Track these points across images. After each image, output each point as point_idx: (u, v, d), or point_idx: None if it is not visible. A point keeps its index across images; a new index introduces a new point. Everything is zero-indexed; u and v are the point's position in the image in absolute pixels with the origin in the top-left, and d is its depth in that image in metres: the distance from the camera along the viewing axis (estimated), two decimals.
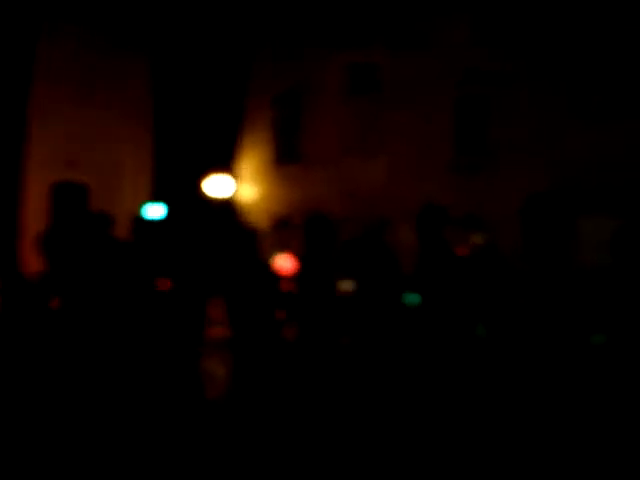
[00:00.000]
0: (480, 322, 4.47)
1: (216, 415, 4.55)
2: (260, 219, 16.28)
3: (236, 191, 16.53)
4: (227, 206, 16.31)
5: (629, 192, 12.60)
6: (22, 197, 14.49)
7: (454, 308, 4.55)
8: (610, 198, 12.66)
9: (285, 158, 16.35)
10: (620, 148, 13.09)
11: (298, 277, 5.14)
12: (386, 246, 6.02)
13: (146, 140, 16.25)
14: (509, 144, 13.87)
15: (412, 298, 4.70)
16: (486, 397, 4.28)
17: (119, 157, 15.92)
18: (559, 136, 13.54)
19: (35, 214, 14.24)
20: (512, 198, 13.37)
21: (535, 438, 3.97)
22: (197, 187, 15.98)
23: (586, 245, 12.53)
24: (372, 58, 15.22)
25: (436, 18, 14.62)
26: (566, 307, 4.30)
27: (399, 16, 14.95)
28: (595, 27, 13.47)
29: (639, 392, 3.89)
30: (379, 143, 14.87)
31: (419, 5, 14.82)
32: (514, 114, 13.94)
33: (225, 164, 16.38)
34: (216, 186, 16.12)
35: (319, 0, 15.66)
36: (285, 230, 14.93)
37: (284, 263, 6.60)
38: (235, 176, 16.55)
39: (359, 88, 15.50)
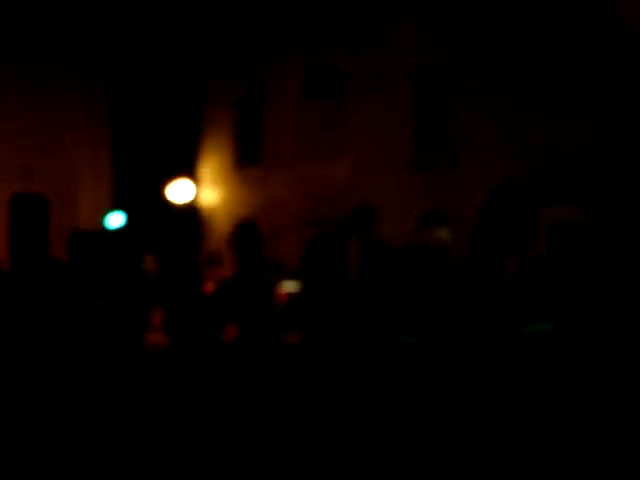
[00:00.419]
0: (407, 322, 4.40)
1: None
2: (222, 222, 16.17)
3: (197, 195, 16.37)
4: (190, 211, 16.16)
5: (589, 183, 12.71)
6: None
7: (388, 308, 4.48)
8: (571, 189, 12.74)
9: (246, 161, 16.23)
10: (579, 140, 13.18)
11: (232, 283, 5.03)
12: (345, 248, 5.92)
13: (104, 147, 16.00)
14: (470, 139, 13.90)
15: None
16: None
17: (77, 166, 15.66)
18: (519, 130, 13.58)
19: None
20: (474, 193, 13.39)
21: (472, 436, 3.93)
22: (158, 193, 15.80)
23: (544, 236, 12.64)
24: (331, 59, 15.17)
25: (393, 16, 14.61)
26: (508, 298, 4.23)
27: (356, 16, 14.92)
28: (550, 21, 13.55)
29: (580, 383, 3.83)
30: (340, 143, 14.81)
31: (376, 4, 14.80)
32: (473, 109, 13.97)
33: (186, 169, 16.22)
34: (177, 191, 15.95)
35: (276, 3, 15.57)
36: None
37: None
38: (196, 180, 16.39)
39: (318, 89, 15.43)
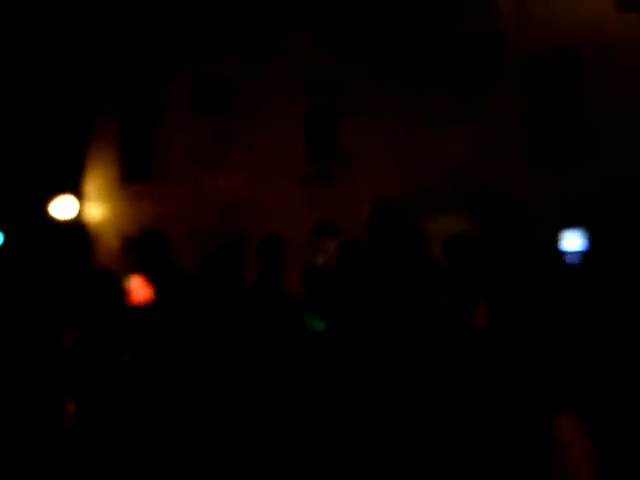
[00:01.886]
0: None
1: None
2: (110, 238, 15.82)
3: (83, 211, 15.96)
4: (76, 227, 15.73)
5: (476, 193, 13.20)
6: None
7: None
8: (459, 199, 13.19)
9: (135, 175, 15.95)
10: (467, 150, 13.74)
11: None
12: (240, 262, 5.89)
13: None
14: (360, 151, 14.19)
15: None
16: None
17: None
18: (408, 141, 14.02)
19: None
20: (363, 205, 13.65)
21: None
22: (41, 210, 15.32)
23: (435, 246, 13.02)
24: (222, 71, 15.15)
25: (283, 30, 14.76)
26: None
27: (248, 28, 14.98)
28: (434, 36, 14.08)
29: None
30: (232, 156, 14.80)
31: (267, 15, 14.92)
32: (363, 122, 14.29)
33: (70, 185, 15.79)
34: (60, 208, 15.51)
35: (166, 13, 15.42)
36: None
37: (136, 287, 6.35)
38: (82, 196, 15.98)
39: (210, 101, 15.38)
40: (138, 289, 6.23)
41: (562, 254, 4.80)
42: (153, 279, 4.85)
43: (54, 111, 15.51)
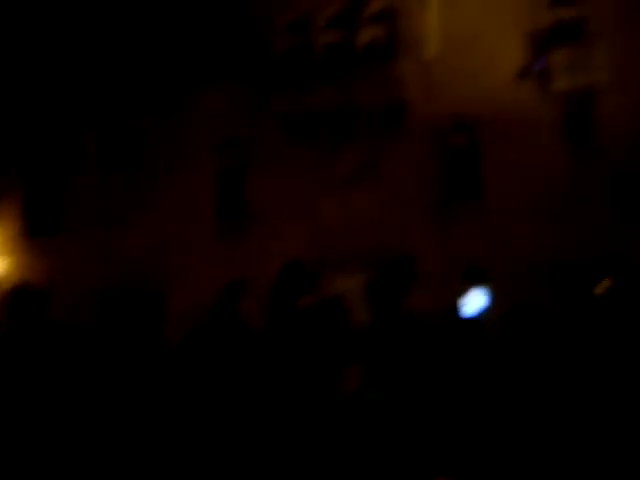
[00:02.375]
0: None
1: None
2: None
3: None
4: None
5: (380, 253, 13.58)
6: None
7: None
8: (364, 260, 13.52)
9: (41, 231, 15.69)
10: (372, 212, 14.18)
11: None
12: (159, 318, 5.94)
13: None
14: (270, 210, 14.44)
15: None
16: None
17: None
18: (316, 201, 14.37)
19: None
20: (272, 263, 13.80)
21: None
22: None
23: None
24: (132, 128, 15.20)
25: (195, 87, 14.96)
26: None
27: (158, 84, 15.12)
28: (341, 101, 14.59)
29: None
30: (143, 213, 14.77)
31: (178, 73, 15.10)
32: (273, 181, 14.59)
33: None
34: None
35: (74, 69, 15.40)
36: None
37: None
38: None
39: (119, 158, 15.34)
40: None
41: (457, 318, 4.98)
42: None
43: None
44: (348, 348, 4.33)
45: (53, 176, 15.65)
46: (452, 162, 14.67)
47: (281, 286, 4.46)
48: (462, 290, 5.81)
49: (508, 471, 3.99)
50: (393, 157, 14.40)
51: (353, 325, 4.58)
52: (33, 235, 15.76)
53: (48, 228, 15.60)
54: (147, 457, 4.28)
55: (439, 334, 4.50)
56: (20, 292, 4.77)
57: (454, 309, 4.66)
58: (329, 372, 4.21)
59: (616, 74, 13.93)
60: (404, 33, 14.72)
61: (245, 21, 15.01)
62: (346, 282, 13.35)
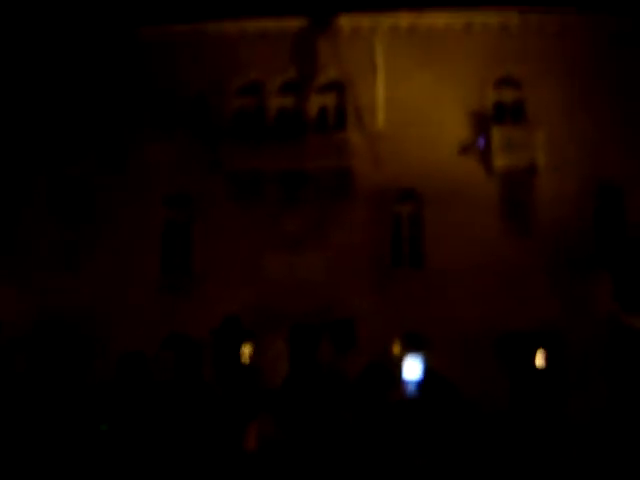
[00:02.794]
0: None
1: None
2: None
3: None
4: None
5: (323, 315, 13.82)
6: None
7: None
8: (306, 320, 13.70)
9: None
10: (317, 273, 14.42)
11: None
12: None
13: None
14: (215, 267, 14.55)
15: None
16: None
17: None
18: (261, 260, 14.56)
19: None
20: (215, 318, 13.84)
21: None
22: None
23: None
24: (81, 177, 15.15)
25: (146, 138, 15.07)
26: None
27: (109, 135, 15.18)
28: (288, 167, 14.94)
29: None
30: (86, 262, 14.67)
31: (131, 125, 15.21)
32: (220, 238, 14.72)
33: None
34: None
35: (24, 117, 15.38)
36: None
37: None
38: None
39: (67, 206, 15.22)
40: None
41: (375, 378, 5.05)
42: None
43: None
44: (257, 405, 4.47)
45: (5, 223, 15.35)
46: (395, 230, 15.09)
47: (218, 340, 4.58)
48: (400, 355, 6.01)
49: None
50: (339, 222, 14.75)
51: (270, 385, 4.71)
52: None
53: None
54: None
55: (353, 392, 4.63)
56: None
57: (374, 369, 4.77)
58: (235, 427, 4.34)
59: (553, 155, 14.63)
60: (353, 104, 15.22)
61: (200, 80, 15.28)
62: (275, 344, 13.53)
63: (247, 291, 13.93)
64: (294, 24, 15.30)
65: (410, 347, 6.79)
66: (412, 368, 6.02)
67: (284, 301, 14.04)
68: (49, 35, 15.54)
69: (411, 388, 5.43)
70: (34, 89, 15.44)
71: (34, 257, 14.76)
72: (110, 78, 15.41)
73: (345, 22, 15.25)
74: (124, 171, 14.96)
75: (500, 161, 14.85)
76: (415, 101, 15.03)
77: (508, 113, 15.35)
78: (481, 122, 15.05)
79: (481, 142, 14.88)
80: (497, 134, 14.83)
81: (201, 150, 14.99)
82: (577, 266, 14.29)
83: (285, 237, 14.81)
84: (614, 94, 14.70)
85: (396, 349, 5.60)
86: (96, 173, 15.05)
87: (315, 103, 15.50)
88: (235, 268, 14.49)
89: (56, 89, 15.44)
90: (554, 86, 14.87)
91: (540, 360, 14.41)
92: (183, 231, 15.24)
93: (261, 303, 13.70)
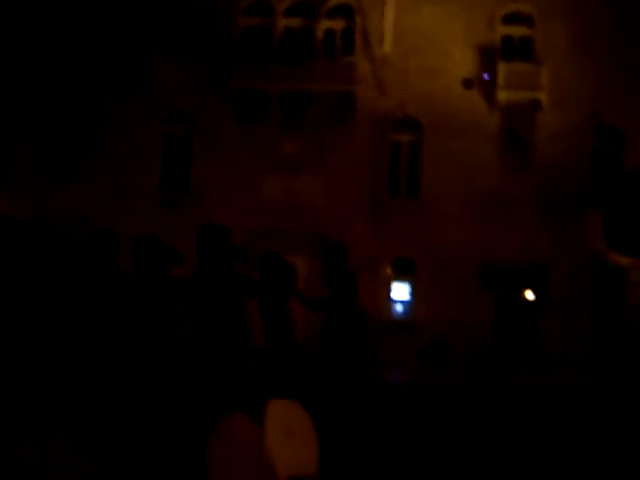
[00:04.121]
0: None
1: None
2: None
3: None
4: None
5: (318, 238, 14.03)
6: None
7: None
8: (302, 242, 13.90)
9: None
10: (315, 197, 14.58)
11: None
12: None
13: None
14: (214, 185, 14.66)
15: None
16: None
17: None
18: (260, 181, 14.68)
19: None
20: None
21: None
22: None
23: None
24: (86, 89, 15.13)
25: (151, 57, 15.00)
26: None
27: (115, 49, 15.08)
28: (293, 88, 14.91)
29: None
30: (87, 169, 14.73)
31: (136, 44, 15.11)
32: (219, 157, 14.80)
33: None
34: None
35: (32, 36, 15.15)
36: None
37: None
38: None
39: (69, 115, 15.21)
40: None
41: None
42: None
43: None
44: None
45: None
46: (394, 157, 15.17)
47: (204, 246, 4.40)
48: (389, 279, 6.24)
49: None
50: (339, 146, 14.80)
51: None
52: None
53: None
54: None
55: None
56: None
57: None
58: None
59: (557, 93, 14.62)
60: (361, 29, 15.11)
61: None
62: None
63: (244, 210, 14.04)
64: None
65: (400, 272, 7.04)
66: (400, 290, 6.27)
67: (281, 223, 14.20)
68: None
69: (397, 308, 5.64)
70: (44, 9, 15.26)
71: (34, 164, 14.81)
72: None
73: None
74: (129, 86, 14.93)
75: (503, 95, 14.85)
76: (424, 31, 14.93)
77: (515, 49, 15.27)
78: (488, 56, 14.99)
79: (487, 76, 14.88)
80: (502, 69, 14.81)
81: (206, 69, 14.93)
82: (571, 203, 14.48)
83: (285, 159, 14.89)
84: (618, 36, 14.62)
85: (388, 272, 5.82)
86: (101, 88, 15.01)
87: (323, 26, 15.38)
88: (234, 187, 14.59)
89: (62, 9, 15.25)
90: (561, 24, 14.77)
91: (530, 294, 14.74)
92: (183, 148, 15.31)
93: (258, 223, 13.88)
